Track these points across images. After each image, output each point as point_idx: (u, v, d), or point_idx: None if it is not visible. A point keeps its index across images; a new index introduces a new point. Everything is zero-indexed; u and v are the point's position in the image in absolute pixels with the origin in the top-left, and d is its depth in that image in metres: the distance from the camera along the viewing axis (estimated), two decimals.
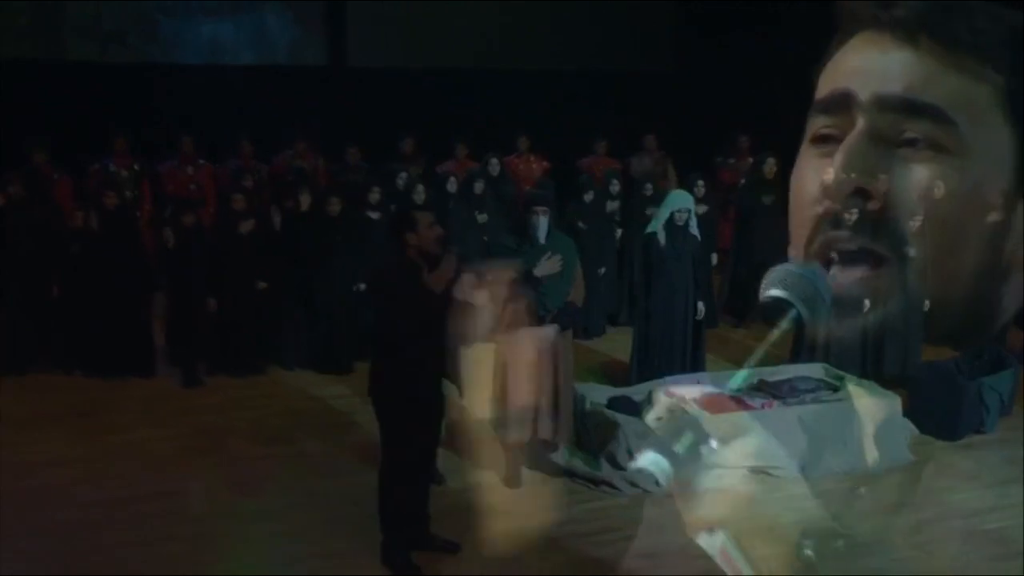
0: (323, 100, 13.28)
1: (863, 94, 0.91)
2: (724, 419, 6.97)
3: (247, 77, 13.05)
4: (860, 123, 0.91)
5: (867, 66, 0.91)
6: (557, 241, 6.26)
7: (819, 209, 0.92)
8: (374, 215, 8.61)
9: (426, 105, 13.15)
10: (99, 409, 7.66)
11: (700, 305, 7.86)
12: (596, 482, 6.46)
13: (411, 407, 5.07)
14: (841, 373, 7.64)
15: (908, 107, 0.89)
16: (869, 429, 7.12)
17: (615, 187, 10.18)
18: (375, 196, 8.64)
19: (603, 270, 9.49)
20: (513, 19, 15.17)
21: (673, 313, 7.74)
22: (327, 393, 8.15)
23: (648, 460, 0.49)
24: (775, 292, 0.82)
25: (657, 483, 6.51)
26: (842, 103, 0.92)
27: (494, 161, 9.70)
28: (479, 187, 9.10)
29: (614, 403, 6.90)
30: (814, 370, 7.76)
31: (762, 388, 7.39)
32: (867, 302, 0.95)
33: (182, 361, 8.22)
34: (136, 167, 10.04)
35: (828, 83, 0.93)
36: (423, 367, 4.95)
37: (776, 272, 0.87)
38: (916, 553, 5.78)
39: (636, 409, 6.85)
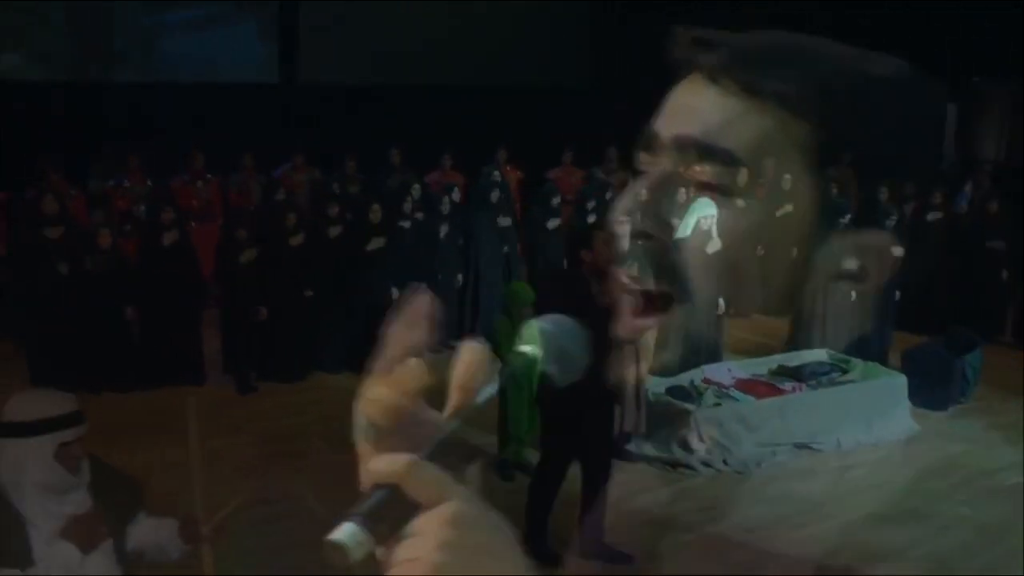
0: (274, 115, 13.24)
1: (665, 134, 0.87)
2: (769, 403, 7.52)
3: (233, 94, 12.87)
4: (661, 163, 0.87)
5: (674, 108, 0.88)
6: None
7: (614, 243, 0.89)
8: (406, 224, 8.69)
9: (378, 119, 13.25)
10: (168, 419, 7.49)
11: (720, 300, 8.28)
12: (674, 465, 6.80)
13: (576, 420, 5.10)
14: (845, 357, 8.24)
15: (701, 148, 0.84)
16: (881, 405, 7.72)
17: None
18: (407, 206, 8.71)
19: None
20: (453, 36, 15.38)
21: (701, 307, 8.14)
22: (371, 395, 8.18)
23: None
24: (524, 348, 0.79)
25: (726, 463, 6.98)
26: (651, 142, 0.89)
27: (496, 173, 9.89)
28: (496, 196, 9.28)
29: (671, 392, 7.25)
30: (820, 355, 8.34)
31: (785, 373, 7.91)
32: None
33: (235, 368, 8.11)
34: (149, 183, 9.76)
35: (651, 121, 0.90)
36: (590, 382, 5.08)
37: (528, 327, 0.82)
38: (967, 511, 6.38)
39: (689, 396, 7.25)
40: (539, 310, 5.75)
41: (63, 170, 9.25)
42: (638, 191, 0.87)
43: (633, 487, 6.48)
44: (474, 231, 9.08)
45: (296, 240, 8.07)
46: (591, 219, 10.36)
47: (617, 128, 13.24)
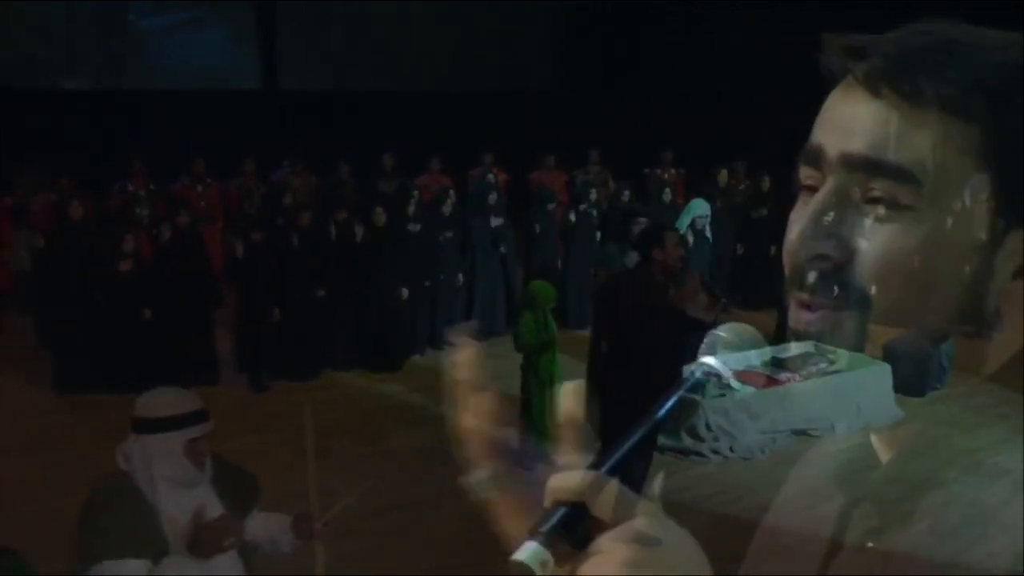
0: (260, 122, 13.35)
1: (831, 151, 0.83)
2: (770, 392, 7.89)
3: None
4: (828, 182, 0.84)
5: (836, 122, 0.84)
6: None
7: (790, 264, 0.86)
8: (415, 227, 8.89)
9: (353, 125, 13.42)
10: None
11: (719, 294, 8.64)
12: (685, 453, 7.11)
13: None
14: (831, 348, 8.61)
15: (871, 166, 0.80)
16: (868, 392, 8.11)
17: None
18: (412, 209, 8.91)
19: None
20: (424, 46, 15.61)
21: None
22: (388, 391, 8.38)
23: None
24: (707, 360, 0.81)
25: (732, 450, 7.25)
26: (816, 157, 0.85)
27: (490, 176, 10.13)
28: (493, 198, 9.53)
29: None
30: (808, 347, 8.68)
31: (779, 364, 8.27)
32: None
33: (250, 368, 8.23)
34: (152, 187, 9.81)
35: (813, 134, 0.86)
36: (656, 381, 5.30)
37: (709, 337, 0.84)
38: (958, 488, 6.78)
39: (692, 386, 7.57)
40: (605, 307, 5.82)
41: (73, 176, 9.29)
42: (814, 211, 0.83)
43: (648, 475, 6.76)
44: (473, 232, 9.31)
45: (309, 242, 8.22)
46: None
47: (595, 130, 13.67)
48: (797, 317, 0.91)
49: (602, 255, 6.97)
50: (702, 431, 7.12)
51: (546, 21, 17.18)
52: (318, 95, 14.72)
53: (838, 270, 0.83)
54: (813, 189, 0.85)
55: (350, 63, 15.11)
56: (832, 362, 8.49)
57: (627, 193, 10.51)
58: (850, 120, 0.82)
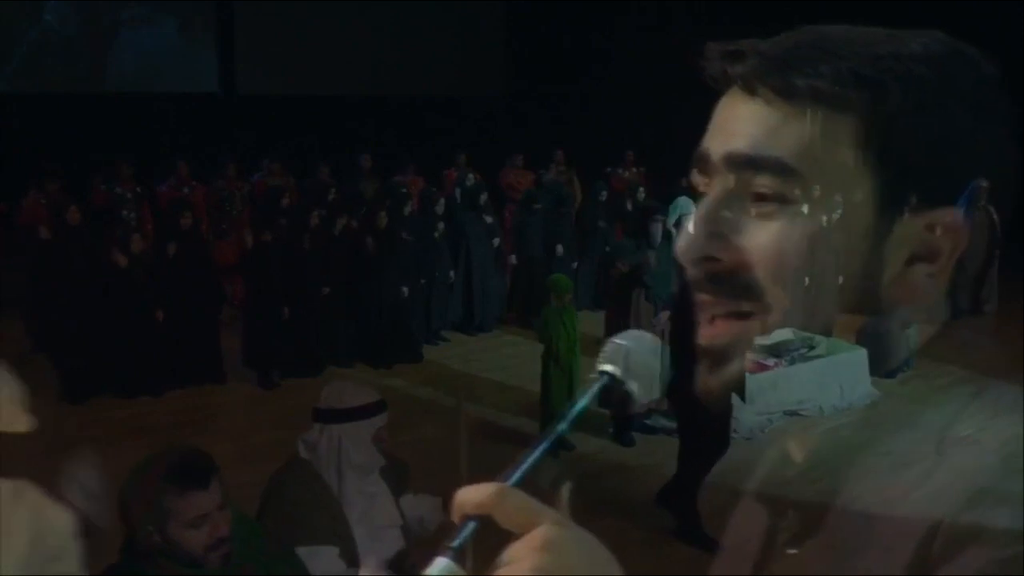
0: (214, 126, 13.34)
1: (715, 154, 0.83)
2: (764, 376, 8.32)
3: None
4: (714, 184, 0.84)
5: (718, 125, 0.85)
6: (666, 246, 7.16)
7: (686, 271, 0.86)
8: (418, 226, 9.09)
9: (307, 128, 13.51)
10: (206, 417, 7.61)
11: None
12: None
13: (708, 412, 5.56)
14: (808, 335, 9.08)
15: (752, 163, 0.80)
16: (848, 374, 8.59)
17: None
18: (408, 210, 9.08)
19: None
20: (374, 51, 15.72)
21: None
22: (393, 384, 8.50)
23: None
24: (606, 367, 0.78)
25: (735, 431, 7.53)
26: (704, 162, 0.85)
27: (471, 176, 10.36)
28: (484, 198, 9.78)
29: None
30: (787, 333, 9.13)
31: (764, 350, 8.69)
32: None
33: (258, 365, 8.27)
34: (138, 189, 9.74)
35: (701, 141, 0.86)
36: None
37: (610, 346, 0.81)
38: (938, 457, 7.26)
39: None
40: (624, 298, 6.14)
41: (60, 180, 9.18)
42: (702, 214, 0.82)
43: (667, 456, 7.05)
44: (466, 229, 9.53)
45: (316, 241, 8.33)
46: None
47: (555, 130, 13.99)
48: (701, 332, 0.87)
49: (618, 250, 7.23)
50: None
51: (498, 22, 17.44)
52: (274, 98, 14.73)
53: (729, 272, 0.82)
54: (703, 193, 0.85)
55: (302, 67, 15.10)
56: (812, 347, 8.98)
57: (642, 191, 10.84)
58: (730, 121, 0.83)
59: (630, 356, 0.81)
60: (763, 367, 8.30)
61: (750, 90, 0.81)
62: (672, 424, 7.57)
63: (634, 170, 13.04)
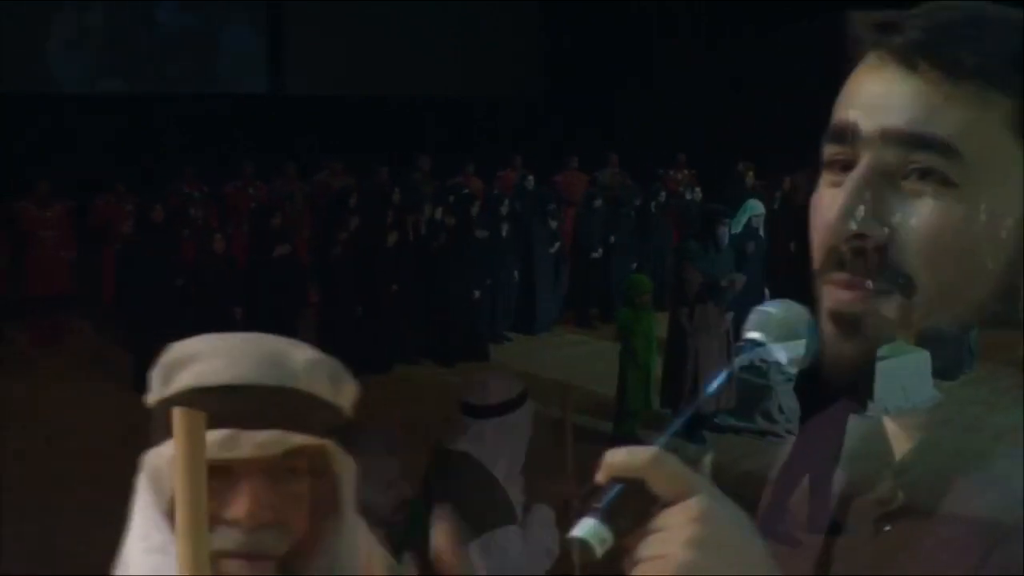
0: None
1: (867, 128, 0.80)
2: None
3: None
4: (864, 159, 0.80)
5: (871, 98, 0.81)
6: (730, 249, 7.26)
7: (826, 245, 0.81)
8: (481, 232, 9.23)
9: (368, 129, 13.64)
10: None
11: (766, 291, 9.07)
12: (762, 434, 7.52)
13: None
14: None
15: (912, 141, 0.77)
16: (912, 376, 8.63)
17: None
18: (474, 211, 9.23)
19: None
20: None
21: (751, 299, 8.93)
22: (459, 383, 8.60)
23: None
24: (754, 335, 0.78)
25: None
26: (849, 135, 0.81)
27: (530, 177, 10.52)
28: (552, 207, 10.07)
29: (744, 370, 7.97)
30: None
31: None
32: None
33: None
34: (206, 189, 9.94)
35: (838, 112, 0.82)
36: None
37: (756, 314, 0.80)
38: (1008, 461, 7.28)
39: (759, 373, 7.99)
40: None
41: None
42: (853, 189, 0.78)
43: (735, 455, 7.12)
44: (533, 232, 9.74)
45: (391, 239, 8.49)
46: None
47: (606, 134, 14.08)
48: (836, 297, 0.83)
49: (685, 253, 7.28)
50: (775, 414, 7.54)
51: (533, 23, 17.53)
52: (325, 99, 14.87)
53: (878, 249, 0.79)
54: (840, 166, 0.81)
55: (348, 67, 15.23)
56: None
57: (697, 191, 10.92)
58: (885, 96, 0.79)
59: (778, 323, 0.80)
60: None
61: (911, 64, 0.77)
62: (741, 423, 7.66)
63: (685, 172, 13.12)
